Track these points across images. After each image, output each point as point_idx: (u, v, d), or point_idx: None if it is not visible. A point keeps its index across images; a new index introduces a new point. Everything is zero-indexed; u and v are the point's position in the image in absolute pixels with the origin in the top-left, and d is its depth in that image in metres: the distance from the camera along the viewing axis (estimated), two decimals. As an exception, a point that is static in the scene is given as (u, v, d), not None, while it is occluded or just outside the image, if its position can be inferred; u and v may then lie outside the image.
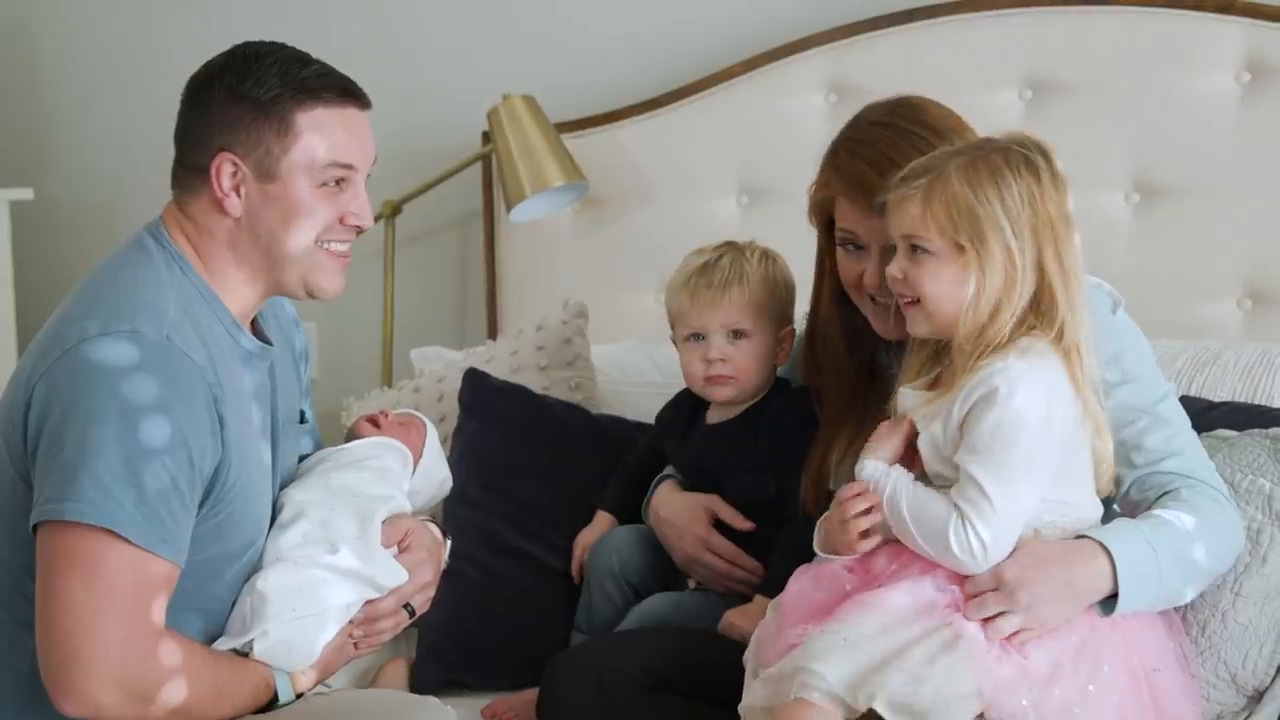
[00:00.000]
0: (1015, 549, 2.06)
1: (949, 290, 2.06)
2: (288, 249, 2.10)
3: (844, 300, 2.36)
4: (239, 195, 2.08)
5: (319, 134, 2.08)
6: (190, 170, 2.11)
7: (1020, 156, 2.06)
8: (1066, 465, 2.08)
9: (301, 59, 2.11)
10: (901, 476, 2.08)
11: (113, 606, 1.94)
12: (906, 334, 2.16)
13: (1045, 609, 2.04)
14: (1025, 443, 2.03)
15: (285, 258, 2.10)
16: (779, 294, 2.51)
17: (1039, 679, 2.00)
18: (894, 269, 2.11)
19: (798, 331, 2.53)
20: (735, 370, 2.50)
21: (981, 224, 2.03)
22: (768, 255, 2.53)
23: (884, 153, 2.23)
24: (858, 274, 2.29)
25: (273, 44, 2.12)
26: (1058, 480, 2.08)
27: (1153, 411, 2.19)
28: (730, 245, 2.54)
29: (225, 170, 2.08)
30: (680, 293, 2.53)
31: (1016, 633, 2.03)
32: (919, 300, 2.08)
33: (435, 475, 2.40)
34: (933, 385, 2.11)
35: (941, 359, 2.12)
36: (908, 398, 2.12)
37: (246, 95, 2.07)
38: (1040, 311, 2.06)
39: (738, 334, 2.50)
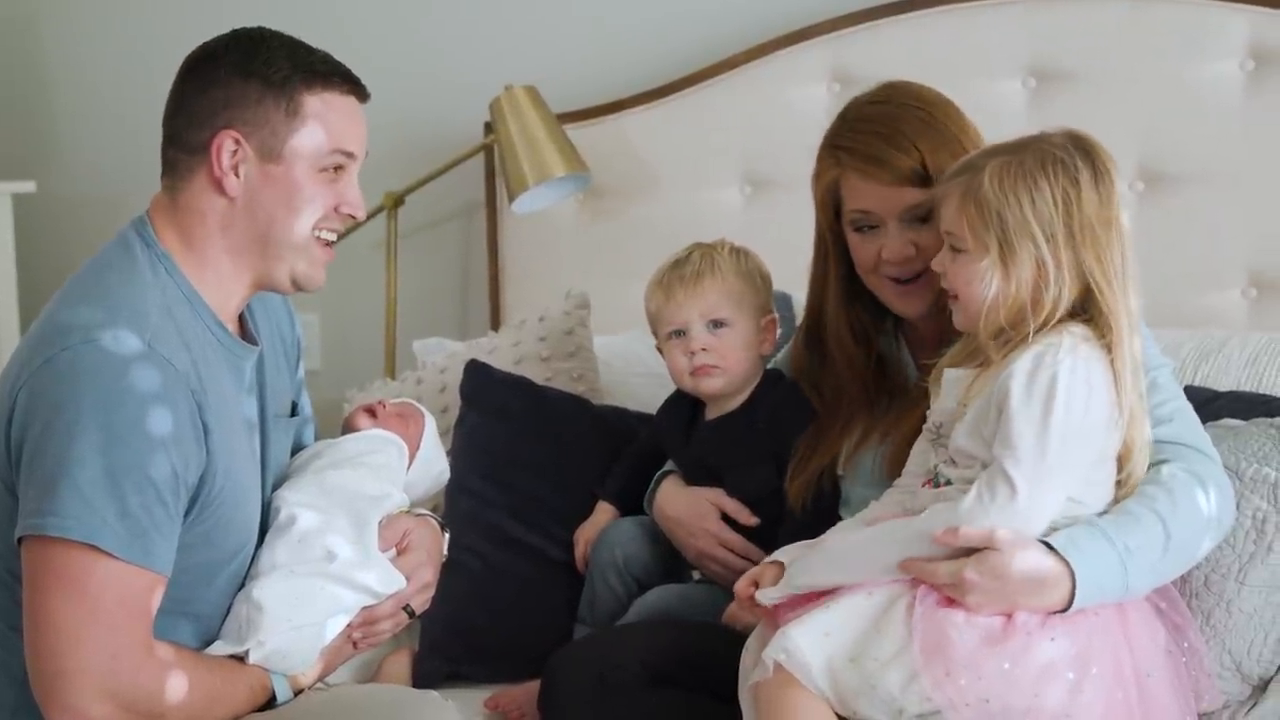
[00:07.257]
0: (988, 560, 2.01)
1: (979, 290, 2.06)
2: (286, 235, 2.06)
3: (850, 291, 2.36)
4: (237, 175, 2.04)
5: (324, 119, 2.06)
6: (185, 150, 2.06)
7: (1056, 159, 2.04)
8: (1092, 466, 2.07)
9: (305, 45, 2.10)
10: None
11: (99, 621, 1.91)
12: (925, 309, 2.19)
13: (985, 607, 2.02)
14: (1060, 432, 2.01)
15: (281, 244, 2.07)
16: (754, 283, 2.52)
17: (1030, 679, 1.99)
18: (936, 263, 2.13)
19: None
20: (719, 359, 2.49)
21: (1009, 228, 2.03)
22: (738, 250, 2.54)
23: (889, 124, 2.25)
24: (874, 254, 2.29)
25: (271, 30, 2.10)
26: (1078, 480, 2.07)
27: (1148, 377, 2.18)
28: (699, 244, 2.56)
29: (226, 147, 2.04)
30: (656, 292, 2.53)
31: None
32: (958, 296, 2.10)
33: (433, 468, 2.37)
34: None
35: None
36: (953, 378, 2.12)
37: (255, 73, 2.04)
38: (1090, 312, 2.06)
39: (717, 323, 2.49)
